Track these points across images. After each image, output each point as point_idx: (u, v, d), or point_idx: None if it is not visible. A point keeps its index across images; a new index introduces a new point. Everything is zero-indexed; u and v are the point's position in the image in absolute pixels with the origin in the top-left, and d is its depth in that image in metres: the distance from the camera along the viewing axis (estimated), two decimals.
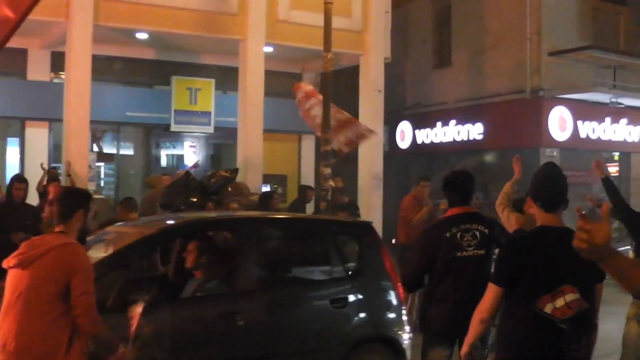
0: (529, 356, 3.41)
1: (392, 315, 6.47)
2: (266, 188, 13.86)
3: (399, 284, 6.31)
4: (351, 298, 6.25)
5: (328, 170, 11.23)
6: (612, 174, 19.28)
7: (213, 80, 15.62)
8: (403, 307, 6.50)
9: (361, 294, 6.34)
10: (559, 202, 3.57)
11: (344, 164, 13.63)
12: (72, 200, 4.13)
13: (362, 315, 6.30)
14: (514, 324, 3.45)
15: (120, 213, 8.18)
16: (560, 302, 3.34)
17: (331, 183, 11.28)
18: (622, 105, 18.53)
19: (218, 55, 15.56)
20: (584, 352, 3.43)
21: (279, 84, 16.04)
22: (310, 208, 12.59)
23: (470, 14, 19.06)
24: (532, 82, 17.43)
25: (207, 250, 5.63)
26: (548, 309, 3.34)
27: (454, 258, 4.82)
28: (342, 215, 11.20)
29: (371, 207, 14.64)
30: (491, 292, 3.48)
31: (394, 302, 6.45)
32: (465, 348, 3.73)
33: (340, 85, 14.63)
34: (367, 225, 7.02)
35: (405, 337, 6.41)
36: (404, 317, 6.48)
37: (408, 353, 6.37)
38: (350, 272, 6.58)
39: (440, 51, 20.27)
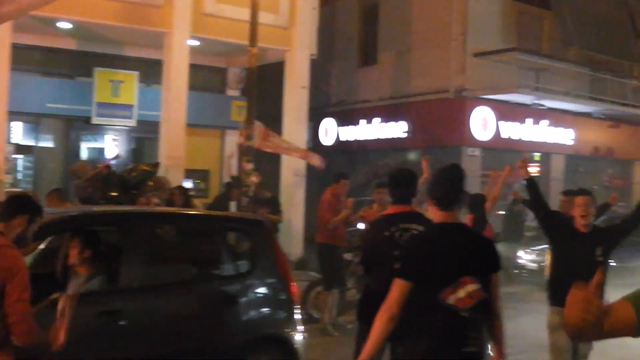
0: (436, 346, 3.73)
1: (283, 315, 6.55)
2: (188, 183, 14.55)
3: (293, 283, 6.58)
4: (241, 297, 6.32)
5: (250, 166, 12.02)
6: (533, 174, 21.05)
7: (137, 73, 16.16)
8: (296, 306, 6.61)
9: (251, 293, 6.44)
10: (453, 201, 3.89)
11: (267, 160, 14.59)
12: (19, 203, 4.09)
13: (252, 314, 6.36)
14: (419, 317, 3.76)
15: (51, 204, 8.42)
16: (461, 293, 3.69)
17: (253, 179, 12.04)
18: (544, 107, 20.25)
19: (142, 47, 16.18)
20: (482, 341, 3.84)
21: (204, 78, 16.81)
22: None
23: (397, 13, 20.41)
24: (456, 82, 18.93)
25: (90, 245, 5.45)
26: (451, 299, 3.68)
27: (391, 257, 4.84)
28: (264, 210, 12.15)
29: (293, 203, 15.62)
30: (397, 287, 3.74)
31: (287, 301, 6.55)
32: (368, 353, 3.87)
33: (266, 80, 15.53)
34: (259, 222, 7.14)
35: (298, 336, 6.51)
36: (297, 316, 6.58)
37: (301, 352, 6.51)
38: (241, 270, 6.74)
39: (366, 49, 21.59)
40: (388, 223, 5.21)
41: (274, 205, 12.76)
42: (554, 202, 18.94)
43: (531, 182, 6.41)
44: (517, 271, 14.97)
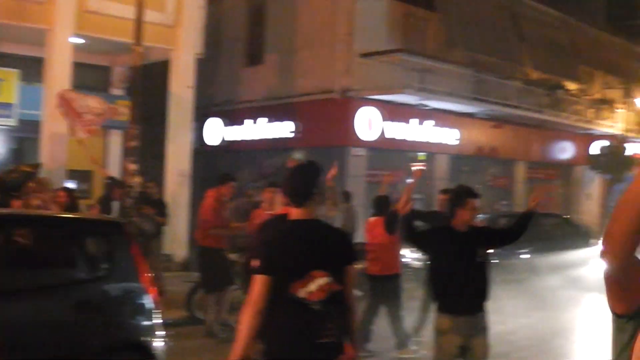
0: (290, 340, 4.04)
1: (142, 320, 6.56)
2: (71, 184, 14.98)
3: (153, 287, 6.72)
4: (97, 302, 6.30)
5: (134, 167, 12.49)
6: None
7: (17, 71, 16.25)
8: (156, 311, 6.63)
9: (108, 298, 6.44)
10: (305, 198, 4.17)
11: (151, 160, 15.34)
12: None
13: (108, 320, 6.35)
14: (273, 311, 4.01)
15: None
16: (312, 287, 3.99)
17: (136, 179, 12.52)
18: (429, 108, 21.80)
19: (23, 44, 16.46)
20: (339, 331, 4.11)
21: (88, 76, 17.26)
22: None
23: (284, 13, 21.50)
24: (342, 83, 20.17)
25: None
26: (302, 293, 3.98)
27: None
28: (150, 211, 12.83)
29: (178, 204, 16.29)
30: (259, 282, 4.02)
31: (146, 306, 6.56)
32: (237, 351, 4.08)
33: (151, 80, 16.02)
34: (117, 224, 7.22)
35: (158, 342, 6.56)
36: (157, 322, 6.62)
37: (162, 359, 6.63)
38: (97, 275, 6.69)
39: (253, 49, 22.60)
40: (281, 223, 5.46)
41: (161, 206, 13.26)
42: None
43: (410, 215, 6.63)
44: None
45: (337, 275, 4.09)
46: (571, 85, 28.57)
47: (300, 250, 4.10)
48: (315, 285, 4.01)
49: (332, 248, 4.19)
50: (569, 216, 23.34)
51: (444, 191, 10.29)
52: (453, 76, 22.24)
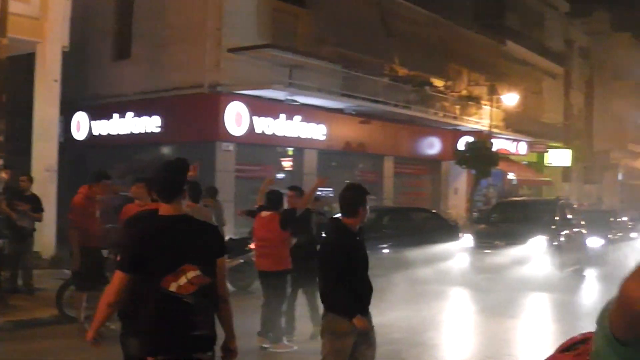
0: (164, 333, 4.32)
1: None
2: None
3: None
4: None
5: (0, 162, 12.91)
6: (286, 169, 24.38)
7: None
8: None
9: None
10: (174, 194, 4.49)
11: (17, 155, 16.08)
12: None
13: None
14: (145, 306, 4.33)
15: None
16: (183, 280, 4.30)
17: (3, 175, 13.06)
18: (297, 103, 23.58)
19: None
20: (211, 323, 4.45)
21: None
22: None
23: (153, 7, 22.71)
24: (211, 77, 21.59)
25: None
26: (173, 287, 4.27)
27: None
28: (25, 207, 13.44)
29: (46, 200, 16.52)
30: (117, 278, 4.36)
31: None
32: (91, 333, 4.56)
33: (16, 73, 16.66)
34: None
35: None
36: None
37: None
38: None
39: (121, 42, 23.71)
40: (149, 219, 5.51)
41: (35, 202, 13.84)
42: None
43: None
44: None
45: (208, 268, 4.42)
46: (439, 82, 31.21)
47: (169, 245, 4.38)
48: (185, 279, 4.30)
49: (201, 242, 4.48)
50: (436, 210, 25.56)
51: (291, 188, 11.27)
52: (322, 72, 24.02)
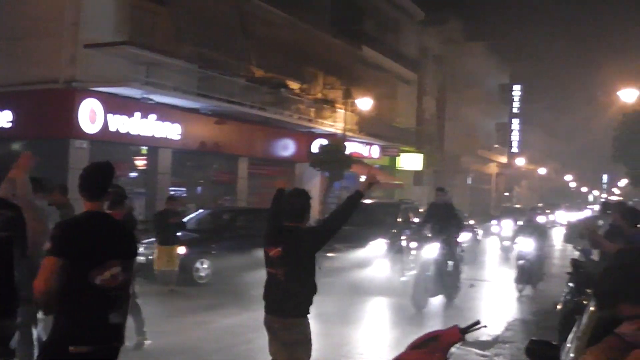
0: (86, 323, 4.69)
1: None
2: None
3: None
4: None
5: None
6: (139, 167, 24.95)
7: None
8: None
9: None
10: (100, 194, 4.96)
11: None
12: None
13: None
14: (71, 297, 4.68)
15: None
16: (107, 275, 4.72)
17: None
18: (153, 102, 24.20)
19: None
20: (124, 316, 4.94)
21: None
22: None
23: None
24: (67, 73, 21.95)
25: None
26: (98, 280, 4.69)
27: None
28: None
29: None
30: (50, 263, 4.63)
31: None
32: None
33: None
34: None
35: None
36: None
37: None
38: None
39: None
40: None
41: None
42: (161, 195, 23.12)
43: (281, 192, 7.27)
44: None
45: (126, 265, 4.91)
46: (295, 85, 32.50)
47: (98, 240, 4.79)
48: (110, 274, 4.74)
49: (123, 240, 4.99)
50: None
51: (170, 198, 11.85)
52: (179, 71, 24.82)
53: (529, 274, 17.91)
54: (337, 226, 6.71)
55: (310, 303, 6.58)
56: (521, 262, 18.07)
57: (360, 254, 17.72)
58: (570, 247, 31.05)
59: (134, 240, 5.26)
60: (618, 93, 33.82)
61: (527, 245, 18.47)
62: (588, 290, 8.58)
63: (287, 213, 6.65)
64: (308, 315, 6.53)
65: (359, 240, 17.85)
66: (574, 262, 11.80)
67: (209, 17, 26.63)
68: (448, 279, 15.65)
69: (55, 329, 4.75)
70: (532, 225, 19.51)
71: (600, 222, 21.31)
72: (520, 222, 24.80)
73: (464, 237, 24.33)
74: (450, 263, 15.91)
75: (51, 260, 4.63)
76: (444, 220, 15.99)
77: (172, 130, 25.43)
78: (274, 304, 6.54)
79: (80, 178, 4.96)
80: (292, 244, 6.44)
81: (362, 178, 38.60)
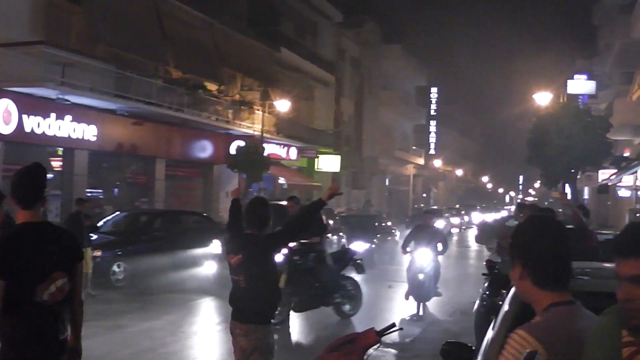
0: (34, 340, 4.52)
1: None
2: None
3: None
4: None
5: None
6: (55, 169, 24.94)
7: None
8: None
9: None
10: (35, 200, 4.69)
11: None
12: None
13: None
14: (14, 315, 4.50)
15: None
16: (52, 288, 4.54)
17: None
18: (69, 102, 24.18)
19: None
20: (69, 326, 4.76)
21: None
22: None
23: None
24: None
25: None
26: (45, 296, 4.51)
27: None
28: None
29: None
30: None
31: None
32: None
33: None
34: None
35: None
36: None
37: None
38: None
39: None
40: None
41: None
42: (78, 194, 23.12)
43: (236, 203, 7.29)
44: None
45: (71, 273, 4.73)
46: (212, 86, 32.85)
47: (39, 252, 4.55)
48: (55, 287, 4.57)
49: (66, 248, 4.76)
50: (207, 214, 27.11)
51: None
52: (95, 72, 24.85)
53: (427, 291, 15.86)
54: (295, 231, 7.08)
55: (273, 310, 6.75)
56: (420, 276, 15.80)
57: None
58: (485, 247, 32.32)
59: (77, 244, 4.99)
60: (534, 96, 35.39)
61: (424, 256, 15.95)
62: (503, 291, 8.25)
63: (247, 221, 6.79)
64: (272, 322, 6.70)
65: None
66: (489, 263, 12.27)
67: (126, 18, 26.79)
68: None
69: (2, 350, 4.58)
70: (429, 231, 16.36)
71: (515, 223, 21.65)
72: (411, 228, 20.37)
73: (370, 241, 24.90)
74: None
75: None
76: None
77: (88, 132, 25.42)
78: (236, 310, 6.65)
79: (11, 185, 4.73)
80: (252, 251, 6.59)
81: (281, 180, 39.29)
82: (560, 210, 29.76)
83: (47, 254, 4.59)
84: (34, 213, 4.69)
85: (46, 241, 4.65)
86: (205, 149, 33.75)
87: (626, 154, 36.79)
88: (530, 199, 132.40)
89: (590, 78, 48.06)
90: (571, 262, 2.90)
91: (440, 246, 16.17)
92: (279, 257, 13.49)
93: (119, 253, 18.71)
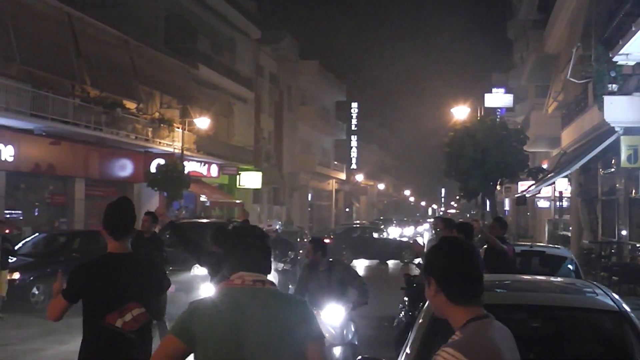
0: None
1: None
2: None
3: None
4: None
5: None
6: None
7: None
8: None
9: None
10: (127, 232, 5.07)
11: None
12: None
13: None
14: (90, 339, 4.88)
15: None
16: (128, 317, 4.79)
17: None
18: None
19: None
20: (148, 355, 4.74)
21: None
22: None
23: None
24: None
25: None
26: (118, 323, 4.76)
27: None
28: None
29: None
30: (59, 304, 4.99)
31: None
32: None
33: None
34: None
35: None
36: None
37: None
38: None
39: None
40: None
41: None
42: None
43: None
44: None
45: (150, 305, 4.98)
46: (130, 104, 32.91)
47: (118, 282, 4.87)
48: (131, 316, 4.83)
49: (146, 280, 5.03)
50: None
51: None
52: (10, 91, 24.72)
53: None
54: None
55: None
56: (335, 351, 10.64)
57: (185, 277, 17.19)
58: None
59: (162, 277, 5.31)
60: (452, 110, 36.51)
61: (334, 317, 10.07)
62: (421, 305, 7.36)
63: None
64: None
65: (185, 263, 17.09)
66: (407, 278, 12.46)
67: (40, 36, 26.70)
68: None
69: None
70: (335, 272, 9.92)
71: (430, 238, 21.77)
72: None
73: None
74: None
75: (61, 302, 5.03)
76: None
77: (5, 152, 25.27)
78: None
79: (105, 216, 5.08)
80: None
81: (202, 197, 39.41)
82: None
83: (125, 284, 4.88)
84: (123, 244, 5.07)
85: (127, 272, 4.95)
86: (124, 168, 33.74)
87: (544, 166, 38.10)
88: (452, 211, 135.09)
89: (507, 91, 49.71)
90: (482, 278, 3.13)
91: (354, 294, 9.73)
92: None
93: (38, 275, 18.57)
